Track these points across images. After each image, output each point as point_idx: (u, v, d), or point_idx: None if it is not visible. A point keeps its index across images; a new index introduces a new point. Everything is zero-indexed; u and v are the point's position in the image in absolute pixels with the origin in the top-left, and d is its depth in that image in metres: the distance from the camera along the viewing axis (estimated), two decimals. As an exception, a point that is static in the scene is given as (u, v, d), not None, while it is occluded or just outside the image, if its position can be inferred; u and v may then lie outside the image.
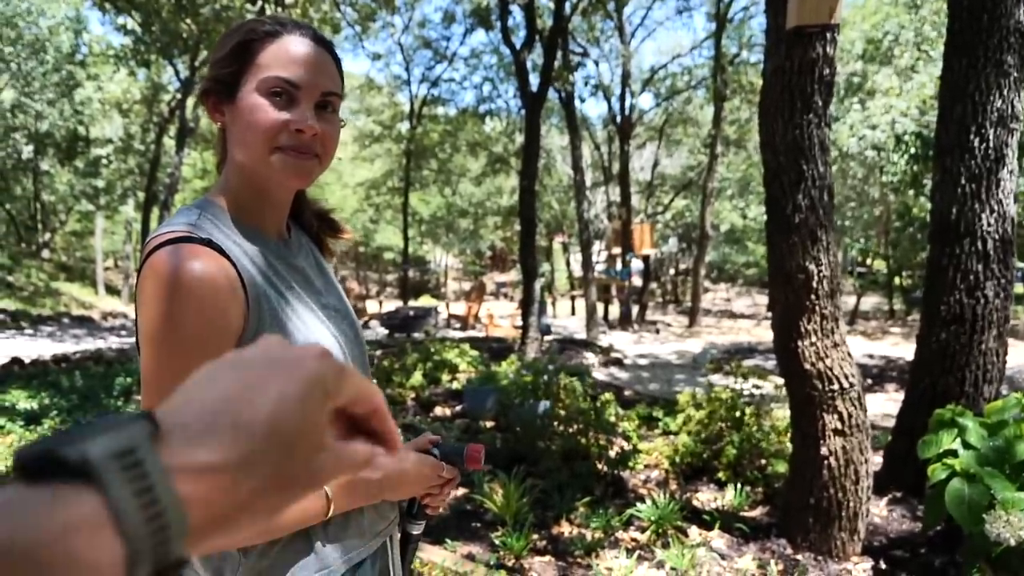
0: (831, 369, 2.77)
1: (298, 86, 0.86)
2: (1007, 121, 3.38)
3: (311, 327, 0.89)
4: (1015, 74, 3.37)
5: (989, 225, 3.40)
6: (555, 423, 4.06)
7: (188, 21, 10.18)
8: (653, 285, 21.80)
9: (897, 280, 18.25)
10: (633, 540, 3.00)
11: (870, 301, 20.78)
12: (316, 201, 1.11)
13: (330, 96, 0.89)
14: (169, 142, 17.88)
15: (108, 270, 25.42)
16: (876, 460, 3.98)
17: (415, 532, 1.06)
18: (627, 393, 6.68)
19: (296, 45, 0.87)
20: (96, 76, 19.30)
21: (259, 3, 8.99)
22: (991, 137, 3.38)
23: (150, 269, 0.78)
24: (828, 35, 2.58)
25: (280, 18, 0.90)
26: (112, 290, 22.05)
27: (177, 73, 15.62)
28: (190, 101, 15.48)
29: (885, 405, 6.18)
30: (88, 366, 7.65)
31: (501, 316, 14.74)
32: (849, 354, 2.84)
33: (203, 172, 24.92)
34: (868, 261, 18.88)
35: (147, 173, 17.85)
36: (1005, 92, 3.36)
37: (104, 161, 19.89)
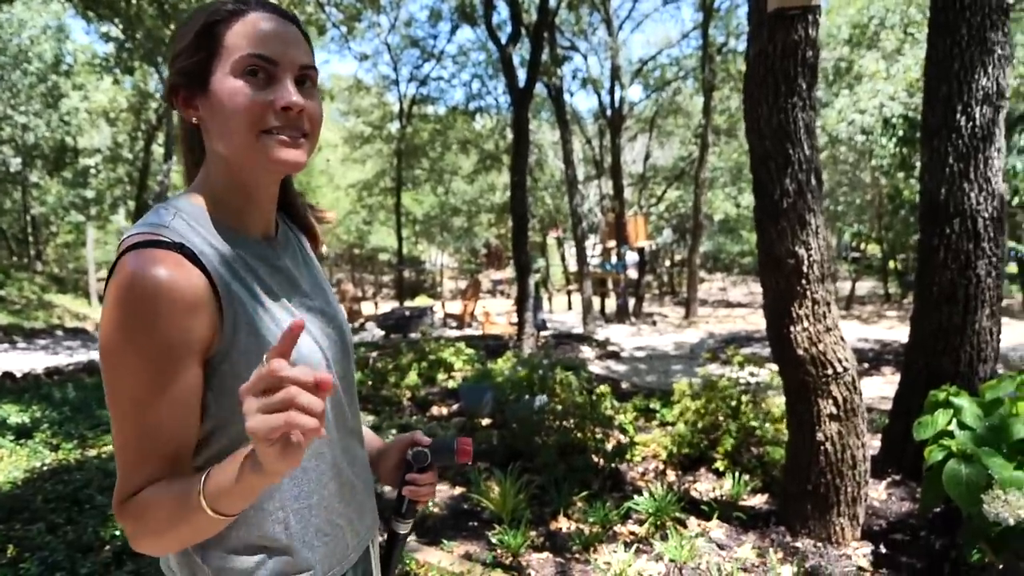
0: (824, 354, 2.74)
1: (275, 62, 0.80)
2: (992, 99, 3.36)
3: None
4: (999, 51, 3.35)
5: (978, 204, 3.38)
6: (551, 418, 4.04)
7: (171, 27, 10.10)
8: (649, 277, 21.80)
9: (892, 263, 18.27)
10: (632, 533, 2.98)
11: (865, 286, 20.81)
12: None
13: (308, 69, 0.84)
14: (158, 150, 17.78)
15: (101, 280, 25.29)
16: (874, 444, 3.97)
17: (402, 531, 1.04)
18: (624, 386, 6.66)
19: (264, 21, 0.82)
20: (82, 86, 19.16)
21: (241, 6, 8.90)
22: (977, 116, 3.36)
23: (114, 276, 0.74)
24: (810, 17, 2.55)
25: None
26: (106, 301, 21.93)
27: (163, 81, 15.52)
28: (177, 108, 15.36)
29: (883, 388, 6.18)
30: (81, 378, 7.59)
31: (497, 313, 14.69)
32: (842, 338, 2.82)
33: (193, 179, 24.77)
34: (862, 246, 18.90)
35: (136, 182, 17.76)
36: (990, 70, 3.34)
37: (93, 171, 19.77)
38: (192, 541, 0.78)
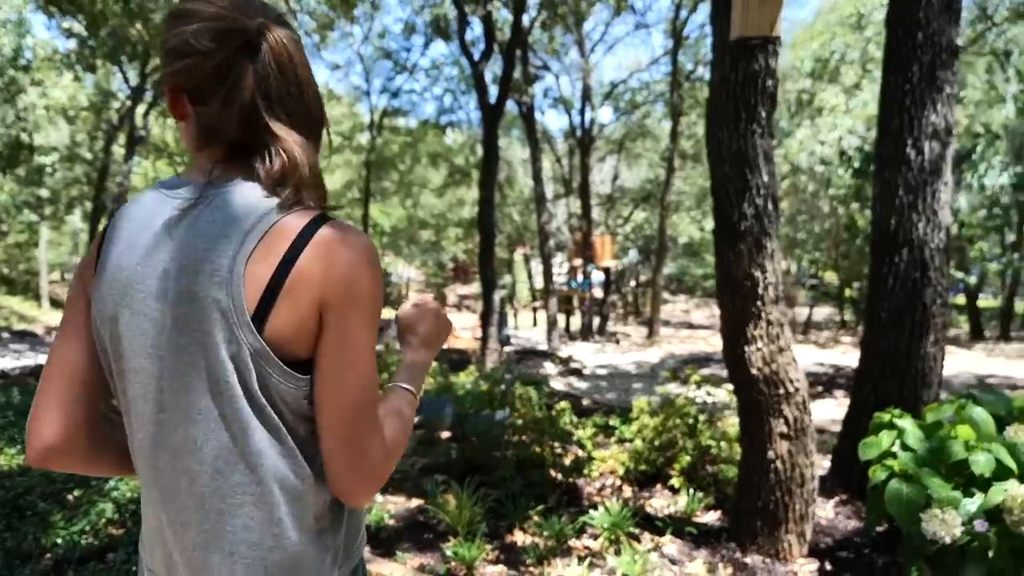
0: (777, 374, 2.82)
1: None
2: (941, 135, 3.53)
3: None
4: (948, 90, 3.53)
5: (925, 235, 3.53)
6: (510, 432, 4.04)
7: (138, 26, 9.90)
8: (614, 297, 22.03)
9: (847, 291, 18.84)
10: (586, 548, 2.99)
11: (823, 312, 21.39)
12: None
13: None
14: (118, 150, 17.34)
15: (53, 283, 24.39)
16: (825, 464, 4.07)
17: None
18: (585, 402, 6.70)
19: None
20: (40, 82, 18.59)
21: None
22: (926, 150, 3.52)
23: (354, 244, 0.82)
24: (770, 47, 2.66)
25: None
26: (57, 303, 21.16)
27: (127, 80, 15.19)
28: (140, 108, 15.04)
29: (836, 411, 6.34)
30: (27, 382, 7.30)
31: (463, 328, 14.65)
32: (795, 359, 2.90)
33: (154, 181, 24.21)
34: (820, 273, 19.47)
35: (95, 182, 17.26)
36: (939, 107, 3.51)
37: (48, 170, 19.14)
38: None
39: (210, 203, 0.82)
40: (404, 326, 1.07)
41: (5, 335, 14.48)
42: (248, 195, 0.82)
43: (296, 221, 0.81)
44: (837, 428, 4.87)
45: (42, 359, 10.86)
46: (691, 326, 21.08)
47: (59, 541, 2.95)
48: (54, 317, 18.79)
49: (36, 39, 18.56)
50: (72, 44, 12.25)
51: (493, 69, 10.55)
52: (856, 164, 9.01)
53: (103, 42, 10.71)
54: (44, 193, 19.33)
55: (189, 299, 0.79)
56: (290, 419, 0.83)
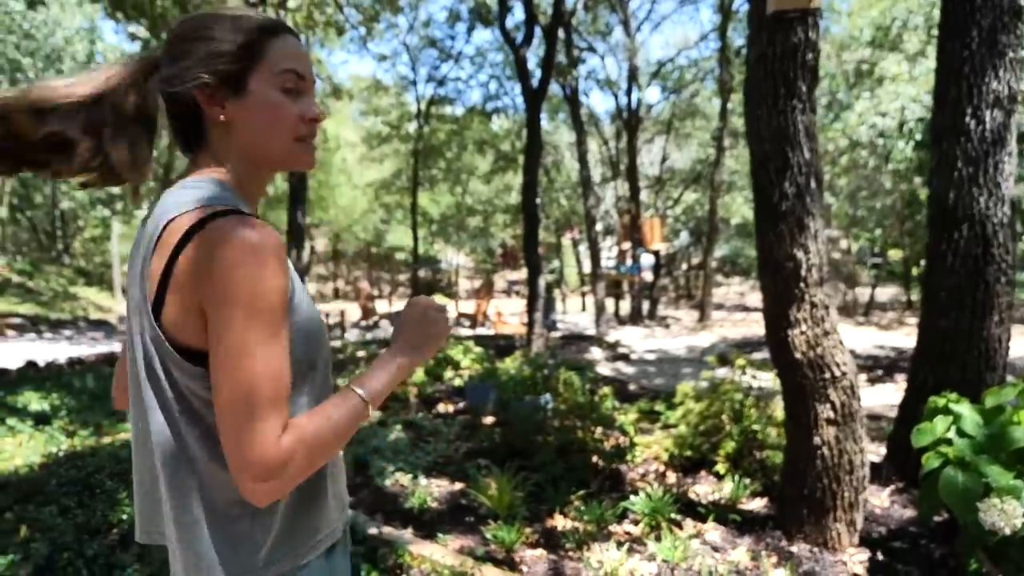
0: (822, 358, 2.73)
1: (305, 78, 0.96)
2: (1004, 102, 3.31)
3: (308, 295, 0.98)
4: (1011, 54, 3.30)
5: (987, 209, 3.33)
6: (551, 416, 4.05)
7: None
8: (665, 280, 21.65)
9: (915, 270, 17.90)
10: (627, 533, 2.99)
11: (887, 292, 20.45)
12: None
13: (314, 84, 1.00)
14: (181, 147, 18.07)
15: (125, 274, 25.70)
16: (882, 451, 3.93)
17: None
18: (631, 387, 6.65)
19: (295, 42, 0.96)
20: (109, 84, 19.54)
21: (260, 9, 9.05)
22: (988, 119, 3.31)
23: (226, 237, 0.80)
24: (809, 20, 2.54)
25: (268, 16, 0.97)
26: (129, 295, 22.31)
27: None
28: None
29: (895, 395, 6.09)
30: (101, 368, 7.77)
31: (511, 313, 14.68)
32: (841, 342, 2.80)
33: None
34: (885, 251, 18.52)
35: (160, 178, 18.06)
36: (1001, 73, 3.29)
37: (118, 168, 20.12)
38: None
39: (160, 201, 0.92)
40: (397, 326, 1.06)
41: (82, 324, 15.41)
42: (176, 193, 0.90)
43: (189, 218, 0.84)
44: (895, 414, 4.68)
45: (116, 346, 11.52)
46: (745, 309, 20.54)
47: (124, 517, 3.14)
48: (126, 307, 19.87)
49: (105, 44, 19.54)
50: (136, 47, 12.81)
51: (537, 53, 10.46)
52: (917, 136, 8.52)
53: (163, 43, 11.17)
54: (115, 190, 20.36)
55: (133, 287, 0.91)
56: (198, 405, 0.86)
